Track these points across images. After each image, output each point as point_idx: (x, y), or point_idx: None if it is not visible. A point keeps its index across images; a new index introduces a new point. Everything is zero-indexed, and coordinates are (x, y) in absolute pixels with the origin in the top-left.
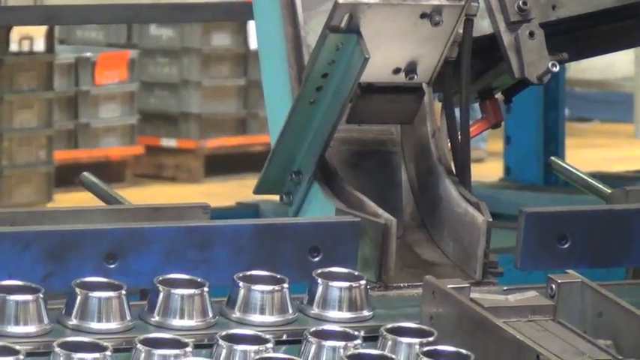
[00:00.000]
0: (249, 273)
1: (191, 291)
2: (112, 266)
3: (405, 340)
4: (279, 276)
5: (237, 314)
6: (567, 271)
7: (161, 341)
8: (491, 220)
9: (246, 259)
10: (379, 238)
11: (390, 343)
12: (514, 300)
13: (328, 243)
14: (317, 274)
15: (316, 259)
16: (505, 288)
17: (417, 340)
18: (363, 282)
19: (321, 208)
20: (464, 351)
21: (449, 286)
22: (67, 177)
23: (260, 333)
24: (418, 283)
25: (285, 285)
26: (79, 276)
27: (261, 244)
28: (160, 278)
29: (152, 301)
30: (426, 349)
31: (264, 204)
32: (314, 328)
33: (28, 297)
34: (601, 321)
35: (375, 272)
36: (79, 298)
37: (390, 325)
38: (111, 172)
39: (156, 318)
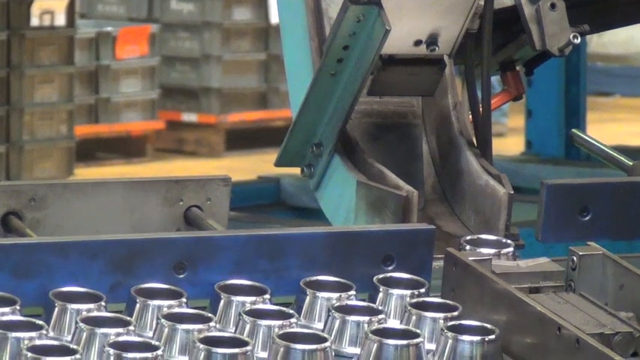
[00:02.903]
0: (315, 278)
1: (252, 298)
2: (182, 276)
3: (429, 314)
4: (344, 281)
5: (302, 321)
6: (588, 243)
7: (184, 316)
8: (512, 192)
9: (318, 268)
10: (400, 210)
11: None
12: (525, 266)
13: (402, 251)
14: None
15: (390, 268)
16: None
17: (441, 315)
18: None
19: (342, 180)
20: (488, 325)
21: (470, 258)
22: (87, 152)
23: (284, 308)
24: (439, 256)
25: (352, 292)
26: None
27: (333, 252)
28: (222, 284)
29: (213, 308)
30: (450, 323)
31: (285, 178)
32: (337, 304)
33: (91, 306)
34: (622, 293)
35: None
36: (137, 306)
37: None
38: (132, 146)
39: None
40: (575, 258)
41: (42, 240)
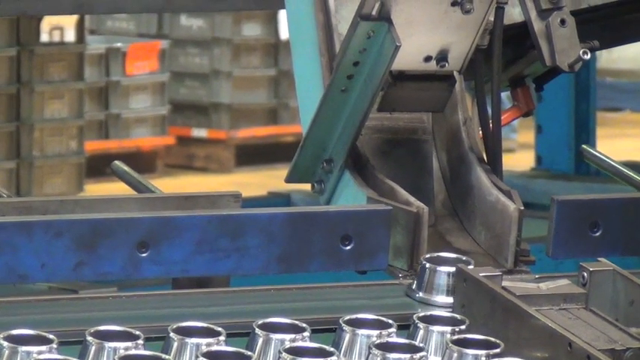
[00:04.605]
0: (354, 316)
1: (291, 335)
2: (144, 255)
3: (470, 351)
4: (384, 319)
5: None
6: (599, 259)
7: (223, 354)
8: (522, 208)
9: (278, 247)
10: (411, 226)
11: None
12: (546, 288)
13: (360, 231)
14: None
15: (348, 248)
16: (537, 276)
17: (483, 352)
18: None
19: (352, 196)
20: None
21: (481, 274)
22: (97, 167)
23: (324, 346)
24: None
25: (392, 330)
26: (111, 265)
27: (293, 232)
28: (260, 322)
29: (251, 346)
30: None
31: (295, 194)
32: (378, 341)
33: (128, 344)
34: (633, 309)
35: (406, 261)
36: (175, 345)
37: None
38: (142, 162)
39: None
40: (585, 274)
41: (6, 219)
